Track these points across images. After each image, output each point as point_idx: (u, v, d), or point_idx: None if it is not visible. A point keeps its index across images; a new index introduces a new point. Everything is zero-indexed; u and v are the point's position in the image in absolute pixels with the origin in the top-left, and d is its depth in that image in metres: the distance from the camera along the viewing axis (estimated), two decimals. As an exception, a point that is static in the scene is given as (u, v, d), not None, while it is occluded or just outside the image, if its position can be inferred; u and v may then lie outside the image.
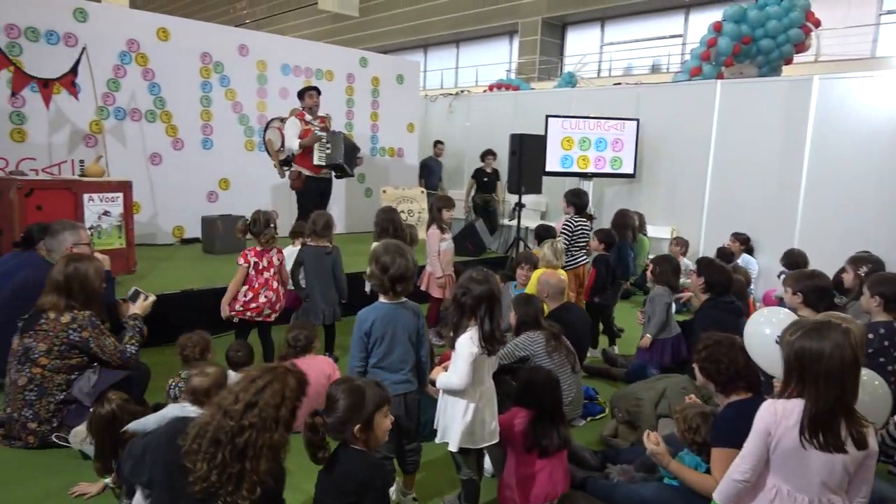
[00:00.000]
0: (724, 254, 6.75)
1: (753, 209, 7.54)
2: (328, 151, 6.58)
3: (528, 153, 8.11)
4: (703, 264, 4.48)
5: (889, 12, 15.33)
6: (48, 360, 3.19)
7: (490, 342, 2.60)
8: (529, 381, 3.02)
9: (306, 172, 6.68)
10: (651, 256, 5.88)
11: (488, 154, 9.49)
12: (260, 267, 4.17)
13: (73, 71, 6.28)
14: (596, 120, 8.35)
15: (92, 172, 5.91)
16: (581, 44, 21.15)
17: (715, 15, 11.03)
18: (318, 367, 3.55)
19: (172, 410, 2.57)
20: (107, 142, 6.92)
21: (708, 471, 2.75)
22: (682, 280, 6.78)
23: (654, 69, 19.05)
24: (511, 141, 8.11)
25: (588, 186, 8.30)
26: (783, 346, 2.22)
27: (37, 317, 3.23)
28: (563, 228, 5.68)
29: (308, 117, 6.65)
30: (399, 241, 2.99)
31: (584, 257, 5.81)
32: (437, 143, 10.57)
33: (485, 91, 13.53)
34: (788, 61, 9.59)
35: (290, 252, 4.85)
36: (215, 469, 1.83)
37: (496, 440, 2.76)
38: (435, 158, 10.48)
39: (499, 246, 9.40)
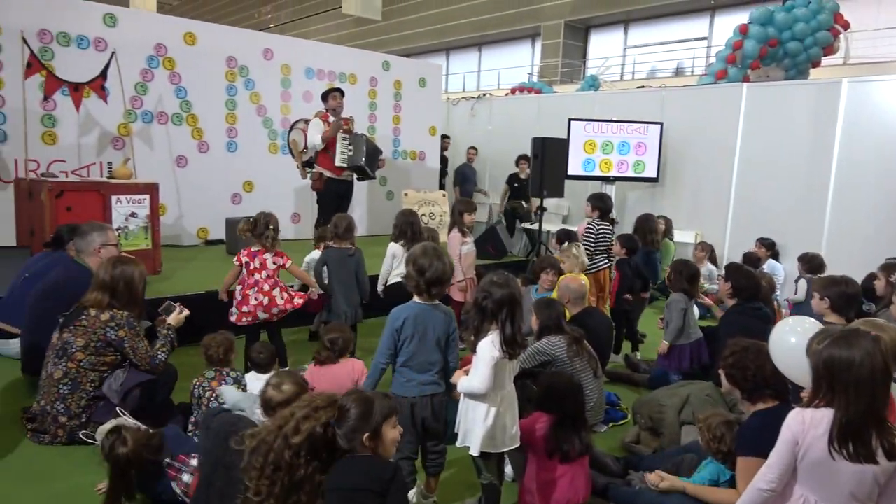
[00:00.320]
0: (750, 259, 6.66)
1: (780, 214, 7.42)
2: (350, 153, 6.62)
3: (550, 157, 8.09)
4: (731, 269, 4.43)
5: (921, 14, 15.02)
6: (84, 355, 3.27)
7: (511, 346, 2.59)
8: (551, 385, 3.01)
9: (327, 174, 6.72)
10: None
11: (522, 159, 9.35)
12: (251, 268, 4.17)
13: (103, 75, 6.41)
14: (619, 123, 8.30)
15: (120, 174, 6.01)
16: (604, 47, 21.03)
17: (741, 17, 10.91)
18: (347, 372, 3.60)
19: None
20: (134, 144, 7.04)
21: (732, 479, 2.71)
22: (707, 286, 6.73)
23: (679, 72, 18.87)
24: (533, 144, 8.08)
25: (610, 190, 8.24)
26: (810, 354, 2.19)
27: (78, 313, 3.32)
28: (586, 233, 5.65)
29: (332, 119, 6.70)
30: (437, 245, 3.00)
31: (606, 262, 5.77)
32: (470, 148, 10.46)
33: (507, 94, 13.52)
34: (816, 64, 9.44)
35: (312, 257, 4.91)
36: (273, 498, 1.84)
37: (517, 445, 2.75)
38: (469, 164, 10.36)
39: (520, 250, 9.38)
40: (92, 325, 3.27)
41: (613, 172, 8.35)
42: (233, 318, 4.17)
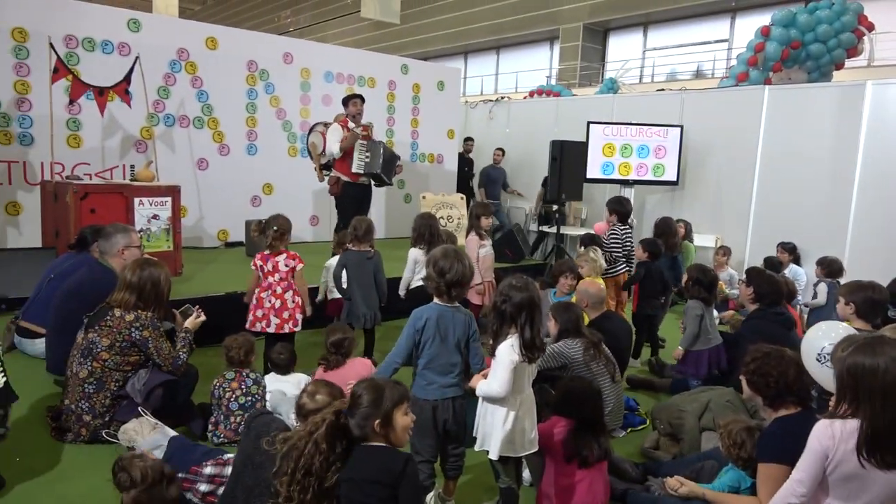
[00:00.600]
0: (772, 264, 6.58)
1: (802, 219, 7.32)
2: (367, 160, 6.65)
3: (568, 160, 8.07)
4: (753, 274, 4.38)
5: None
6: (109, 355, 3.32)
7: (531, 350, 2.59)
8: (570, 390, 2.99)
9: (344, 178, 6.75)
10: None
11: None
12: (265, 271, 4.17)
13: (127, 79, 6.51)
14: (638, 126, 8.25)
15: (142, 177, 6.10)
16: (623, 49, 20.91)
17: (762, 19, 10.79)
18: (356, 371, 3.61)
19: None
20: (157, 147, 7.14)
21: (753, 486, 2.68)
22: (728, 291, 6.66)
23: (699, 75, 18.71)
24: (551, 147, 8.06)
25: (630, 194, 8.19)
26: (834, 362, 2.16)
27: (103, 313, 3.37)
28: (611, 238, 5.64)
29: (351, 125, 6.72)
30: (458, 247, 3.01)
31: (625, 266, 5.75)
32: (497, 150, 10.38)
33: (525, 97, 13.50)
34: (840, 66, 9.30)
35: (332, 262, 4.94)
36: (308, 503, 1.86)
37: (535, 449, 2.74)
38: (494, 166, 10.28)
39: (537, 253, 9.35)
40: (117, 325, 3.32)
41: (633, 176, 8.30)
42: (247, 325, 4.18)
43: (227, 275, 6.15)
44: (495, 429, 2.64)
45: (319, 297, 5.12)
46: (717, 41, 18.58)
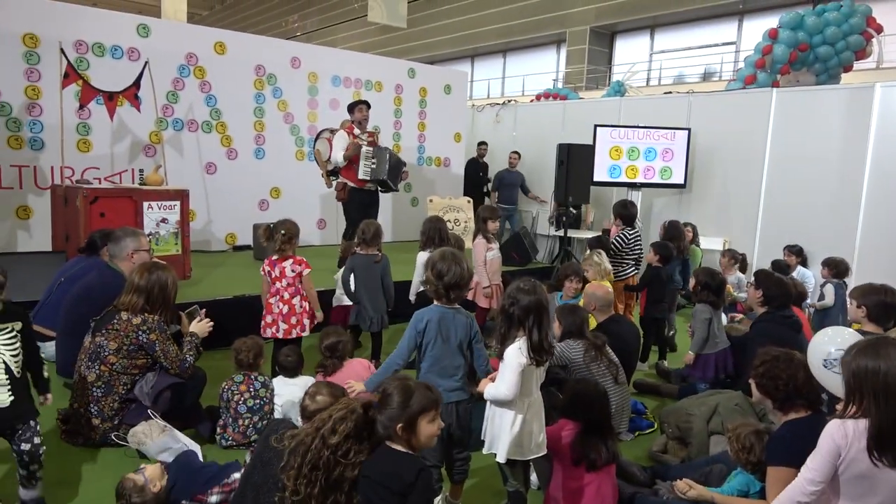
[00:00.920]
0: (780, 267, 6.55)
1: (811, 221, 7.28)
2: (373, 166, 6.65)
3: (575, 163, 8.07)
4: (762, 277, 4.36)
5: (958, 16, 14.63)
6: (116, 358, 3.34)
7: (539, 353, 2.59)
8: (577, 393, 2.99)
9: (351, 184, 6.76)
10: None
11: None
12: (273, 276, 4.18)
13: (136, 84, 6.57)
14: (645, 129, 8.23)
15: (151, 181, 6.14)
16: (630, 52, 20.87)
17: (770, 21, 10.76)
18: (355, 372, 3.63)
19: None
20: (165, 151, 7.19)
21: (762, 491, 2.67)
22: (736, 294, 6.64)
23: (707, 77, 18.66)
24: (558, 151, 8.06)
25: (636, 197, 8.18)
26: (842, 365, 2.17)
27: (110, 316, 3.38)
28: (619, 242, 5.64)
29: (357, 131, 6.73)
30: (455, 250, 3.02)
31: (633, 269, 5.74)
32: (513, 153, 10.10)
33: (532, 101, 13.50)
34: (848, 69, 9.26)
35: (340, 274, 4.98)
36: (315, 498, 1.85)
37: (544, 452, 2.74)
38: (509, 170, 10.04)
39: (544, 256, 9.35)
40: (124, 328, 3.33)
41: (640, 179, 8.29)
42: (260, 330, 4.19)
43: (235, 278, 6.17)
44: (503, 432, 2.64)
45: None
46: (724, 44, 18.52)
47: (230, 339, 3.73)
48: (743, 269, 7.15)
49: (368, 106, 6.84)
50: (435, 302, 2.89)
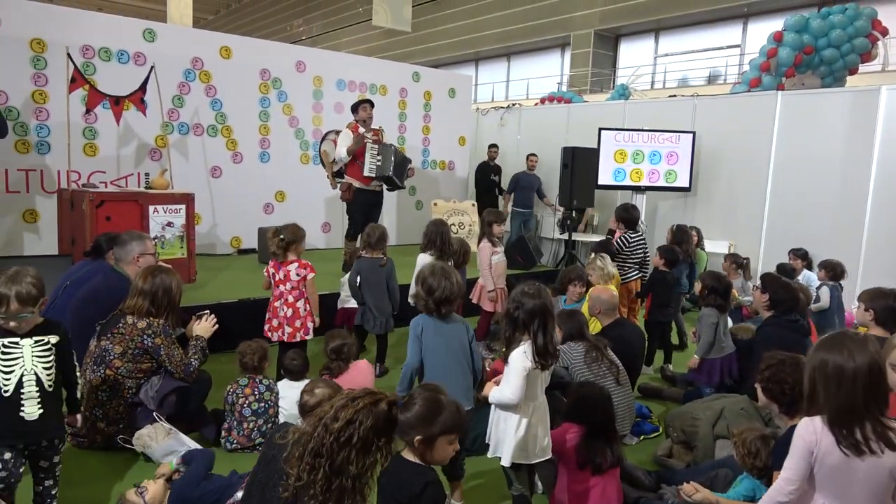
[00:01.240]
0: (785, 270, 6.52)
1: (816, 225, 7.26)
2: (378, 163, 6.66)
3: (580, 166, 8.06)
4: (768, 280, 4.33)
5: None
6: (122, 362, 3.34)
7: (543, 356, 2.59)
8: (581, 396, 2.99)
9: (356, 184, 6.76)
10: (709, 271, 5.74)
11: None
12: (277, 279, 4.18)
13: (142, 88, 6.58)
14: (650, 132, 8.23)
15: (157, 185, 6.16)
16: (634, 55, 20.88)
17: (774, 24, 10.75)
18: (362, 374, 3.68)
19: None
20: (171, 155, 7.21)
21: (768, 496, 2.66)
22: (741, 297, 6.61)
23: (711, 80, 18.64)
24: (563, 154, 8.05)
25: (640, 200, 8.17)
26: (805, 364, 2.22)
27: (116, 320, 3.39)
28: (620, 245, 5.63)
29: (362, 130, 6.75)
30: (444, 264, 3.05)
31: (636, 273, 5.72)
32: (530, 155, 9.73)
33: (536, 104, 13.51)
34: (853, 71, 9.24)
35: (345, 278, 5.00)
36: (318, 483, 1.85)
37: (548, 456, 2.74)
38: (527, 172, 9.63)
39: (548, 259, 9.34)
40: (129, 332, 3.34)
41: (644, 182, 8.28)
42: (265, 333, 4.20)
43: (240, 282, 6.19)
44: (508, 435, 2.64)
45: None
46: (729, 46, 18.51)
47: (235, 342, 3.74)
48: (746, 274, 7.09)
49: (372, 105, 6.85)
50: (425, 316, 2.95)
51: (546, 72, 22.87)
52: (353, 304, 4.92)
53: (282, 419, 3.52)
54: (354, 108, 6.86)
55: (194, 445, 3.26)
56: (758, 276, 6.31)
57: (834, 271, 6.06)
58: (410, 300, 4.93)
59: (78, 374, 2.82)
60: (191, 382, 3.48)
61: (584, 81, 20.47)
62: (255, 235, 7.64)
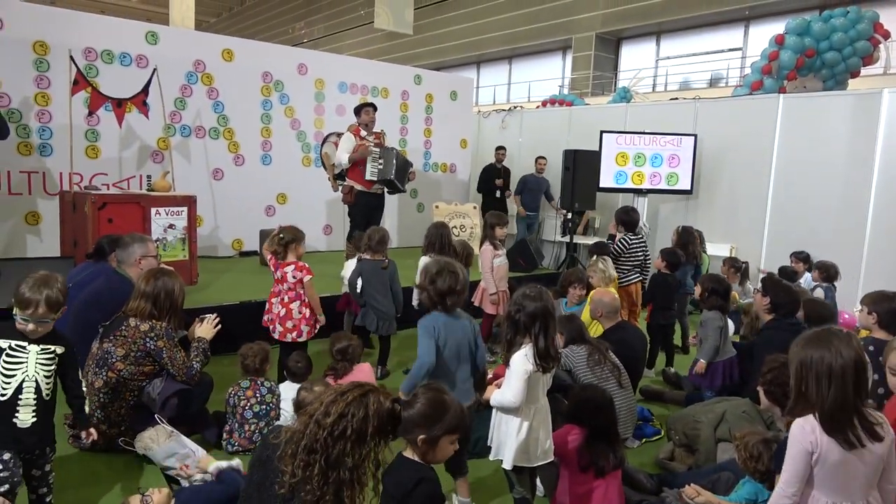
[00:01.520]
0: (787, 273, 6.52)
1: (818, 228, 7.25)
2: (380, 167, 6.67)
3: (581, 169, 8.06)
4: (770, 284, 4.32)
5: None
6: (124, 365, 3.34)
7: (545, 359, 2.59)
8: (583, 399, 2.98)
9: (358, 187, 6.77)
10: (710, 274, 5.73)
11: None
12: (276, 277, 4.19)
13: (145, 91, 6.60)
14: (651, 135, 8.23)
15: (159, 187, 6.17)
16: (636, 58, 20.89)
17: (776, 27, 10.76)
18: (365, 375, 3.68)
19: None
20: (173, 158, 7.22)
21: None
22: (741, 300, 6.60)
23: (713, 83, 18.64)
24: (564, 157, 8.05)
25: (642, 203, 8.17)
26: (790, 360, 2.24)
27: (118, 323, 3.39)
28: (620, 248, 5.62)
29: (363, 133, 6.76)
30: (449, 259, 3.05)
31: (637, 275, 5.71)
32: (539, 158, 9.57)
33: (537, 107, 13.52)
34: (855, 74, 9.25)
35: (349, 270, 5.00)
36: (314, 478, 1.85)
37: (550, 459, 2.74)
38: (535, 175, 9.53)
39: (550, 262, 9.33)
40: (132, 335, 3.34)
41: (646, 185, 8.27)
42: (263, 324, 4.22)
43: (242, 284, 6.19)
44: (509, 438, 2.64)
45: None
46: (730, 49, 18.51)
47: (237, 344, 3.74)
48: (742, 281, 7.03)
49: (375, 108, 6.86)
50: (433, 311, 2.92)
51: (548, 74, 22.88)
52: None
53: (283, 421, 3.52)
54: (357, 111, 6.87)
55: (196, 448, 3.25)
56: (758, 279, 6.31)
57: (828, 272, 6.09)
58: (415, 303, 4.97)
59: (80, 376, 2.82)
60: (193, 385, 3.48)
61: (586, 84, 20.47)
62: (256, 238, 7.65)
